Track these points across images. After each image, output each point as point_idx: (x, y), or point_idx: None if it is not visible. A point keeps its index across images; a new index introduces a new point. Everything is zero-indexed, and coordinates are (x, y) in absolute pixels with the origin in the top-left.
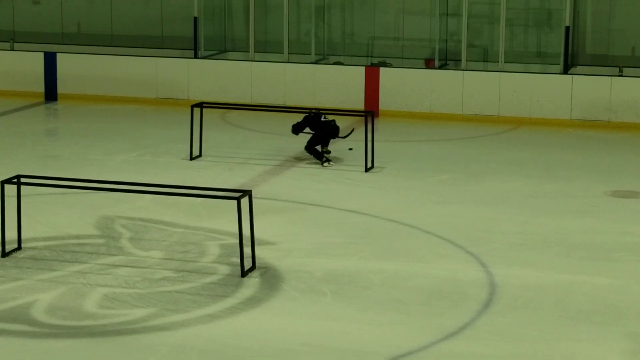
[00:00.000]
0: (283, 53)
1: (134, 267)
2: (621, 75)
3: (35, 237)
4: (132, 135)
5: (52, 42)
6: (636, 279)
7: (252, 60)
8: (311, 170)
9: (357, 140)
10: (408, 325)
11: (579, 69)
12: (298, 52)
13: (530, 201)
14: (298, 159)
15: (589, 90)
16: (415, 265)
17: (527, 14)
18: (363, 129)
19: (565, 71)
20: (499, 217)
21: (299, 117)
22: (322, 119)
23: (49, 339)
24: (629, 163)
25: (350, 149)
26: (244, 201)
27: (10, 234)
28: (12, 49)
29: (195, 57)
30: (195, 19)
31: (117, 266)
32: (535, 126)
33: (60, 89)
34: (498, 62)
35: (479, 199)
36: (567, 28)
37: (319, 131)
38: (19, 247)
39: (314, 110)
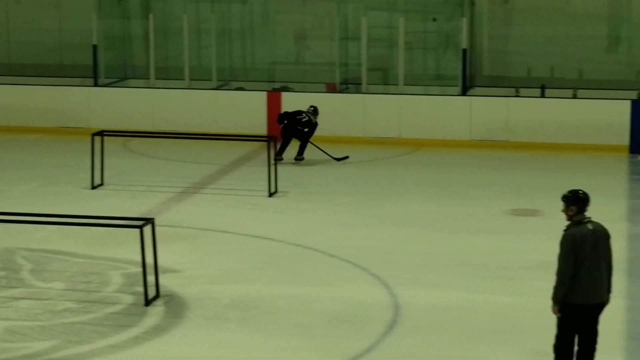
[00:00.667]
0: (184, 79)
1: (35, 299)
2: (518, 96)
3: None
4: (32, 165)
5: None
6: (536, 297)
7: (153, 88)
8: (214, 197)
9: (259, 165)
10: (313, 349)
11: (477, 90)
12: (199, 79)
13: (432, 222)
14: (201, 185)
15: (487, 111)
16: (320, 289)
17: (425, 37)
18: (265, 153)
19: (464, 92)
20: (402, 238)
21: (201, 144)
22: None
23: None
24: (528, 182)
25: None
26: (147, 229)
27: None
28: None
29: (96, 85)
30: (95, 46)
31: (17, 299)
32: (435, 147)
33: None
34: (398, 84)
35: (382, 221)
36: (464, 50)
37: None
38: None
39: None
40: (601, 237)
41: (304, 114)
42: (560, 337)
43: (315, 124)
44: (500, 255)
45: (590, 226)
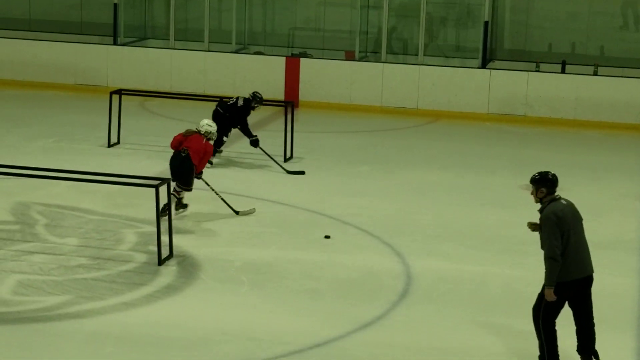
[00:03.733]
0: (204, 42)
1: (49, 254)
2: (538, 71)
3: None
4: (49, 121)
5: None
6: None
7: (172, 49)
8: (230, 160)
9: (276, 130)
10: (324, 315)
11: (497, 63)
12: (219, 41)
13: (447, 193)
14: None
15: (507, 85)
16: (333, 256)
17: (447, 9)
18: (283, 119)
19: (484, 65)
20: (416, 209)
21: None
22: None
23: None
24: (545, 157)
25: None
26: (162, 189)
27: None
28: None
29: (115, 43)
30: (115, 5)
31: (32, 253)
32: (453, 119)
33: None
34: (417, 55)
35: (397, 191)
36: (486, 23)
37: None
38: None
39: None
40: (575, 209)
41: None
42: (546, 316)
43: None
44: (513, 229)
45: (563, 201)
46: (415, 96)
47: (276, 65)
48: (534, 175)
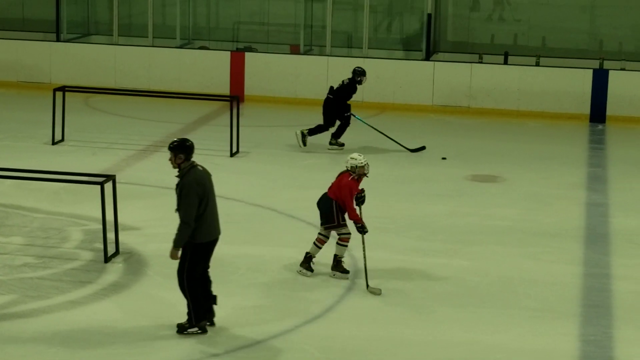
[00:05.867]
0: (147, 37)
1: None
2: (481, 62)
3: None
4: None
5: None
6: (494, 261)
7: (116, 45)
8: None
9: (222, 125)
10: (273, 309)
11: (440, 55)
12: (163, 37)
13: (392, 185)
14: (163, 143)
15: (450, 77)
16: (280, 250)
17: (391, 1)
18: (228, 113)
19: (427, 58)
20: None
21: (163, 102)
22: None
23: None
24: (488, 148)
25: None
26: (108, 186)
27: None
28: None
29: (58, 40)
30: (57, 1)
31: None
32: (398, 111)
33: None
34: (362, 48)
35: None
36: (429, 15)
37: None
38: None
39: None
40: (209, 176)
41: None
42: (190, 277)
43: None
44: (459, 219)
45: (199, 167)
46: (360, 89)
47: (221, 60)
48: (172, 142)
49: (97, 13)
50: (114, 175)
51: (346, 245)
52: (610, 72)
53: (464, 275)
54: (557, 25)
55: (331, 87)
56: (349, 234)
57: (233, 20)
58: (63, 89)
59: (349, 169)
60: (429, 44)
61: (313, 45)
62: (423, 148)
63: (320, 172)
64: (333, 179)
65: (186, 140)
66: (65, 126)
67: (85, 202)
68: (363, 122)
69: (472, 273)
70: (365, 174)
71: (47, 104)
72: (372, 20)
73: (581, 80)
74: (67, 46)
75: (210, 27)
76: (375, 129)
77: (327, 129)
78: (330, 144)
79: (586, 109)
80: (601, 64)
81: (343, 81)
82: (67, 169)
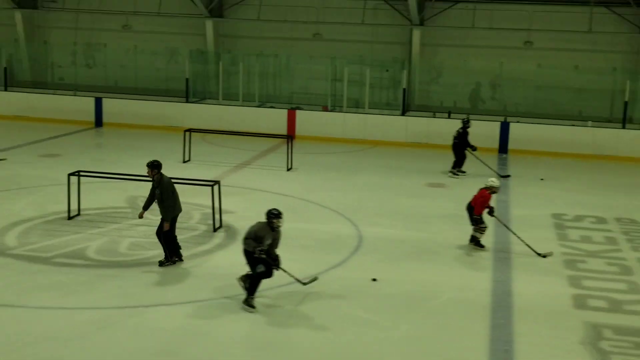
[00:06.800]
0: (239, 100)
1: (148, 226)
2: (434, 117)
3: (88, 207)
4: (148, 147)
5: None
6: (441, 233)
7: (220, 104)
8: (255, 170)
9: (282, 152)
10: (310, 260)
11: (410, 113)
12: (248, 100)
13: (381, 189)
14: (247, 163)
15: (417, 125)
16: (316, 225)
17: (382, 81)
18: (286, 145)
19: (403, 113)
20: (363, 197)
21: (248, 138)
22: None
23: (97, 268)
24: (438, 167)
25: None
26: (216, 187)
27: (73, 205)
28: None
29: (187, 101)
30: (187, 79)
31: (138, 225)
32: (385, 145)
33: None
34: (365, 108)
35: (352, 187)
36: (404, 89)
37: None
38: (79, 214)
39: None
40: (171, 179)
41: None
42: (171, 238)
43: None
44: (422, 209)
45: (166, 175)
46: (363, 131)
47: (282, 114)
48: (150, 162)
49: (210, 86)
50: (219, 181)
51: (482, 233)
52: (511, 124)
53: (424, 242)
54: (474, 94)
55: (455, 135)
56: (485, 227)
57: (290, 90)
58: (190, 130)
59: (487, 187)
60: (404, 105)
61: (335, 106)
62: (509, 176)
63: (340, 180)
64: (347, 186)
65: (155, 160)
66: (191, 152)
67: (203, 196)
68: (477, 157)
69: (431, 241)
70: (495, 192)
71: (180, 139)
72: (371, 91)
73: (493, 127)
74: (193, 105)
75: (276, 94)
76: (483, 162)
77: (461, 163)
78: (453, 173)
79: (496, 145)
80: (505, 119)
81: (458, 130)
82: (193, 176)
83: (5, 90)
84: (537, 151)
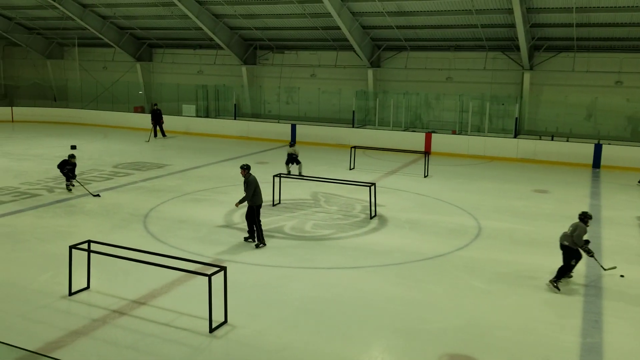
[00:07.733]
0: (389, 125)
1: (324, 212)
2: (541, 139)
3: (285, 199)
4: (323, 158)
5: None
6: (544, 227)
7: (377, 129)
8: (400, 176)
9: (421, 164)
10: (441, 243)
11: (521, 136)
12: (396, 125)
13: (497, 192)
14: (394, 171)
15: (528, 145)
16: (444, 217)
17: (499, 111)
18: (424, 159)
19: (515, 136)
20: (483, 198)
21: (395, 154)
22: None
23: (290, 240)
24: (545, 175)
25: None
26: (373, 187)
27: (276, 196)
28: None
29: (353, 126)
30: (353, 111)
31: (315, 213)
32: (500, 160)
33: None
34: (484, 131)
35: (475, 190)
36: (517, 118)
37: None
38: (279, 202)
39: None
40: (256, 178)
41: None
42: (256, 223)
43: None
44: (529, 209)
45: (252, 174)
46: (483, 149)
47: (421, 136)
48: (242, 164)
49: (370, 115)
50: (375, 183)
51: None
52: (603, 145)
53: (518, 233)
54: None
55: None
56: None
57: (427, 119)
58: (355, 147)
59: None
60: (516, 130)
61: (462, 131)
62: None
63: (464, 184)
64: (470, 189)
65: (245, 164)
66: (355, 162)
67: (363, 193)
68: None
69: (524, 233)
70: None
71: (347, 153)
72: (489, 120)
73: (588, 148)
74: (357, 130)
75: (417, 122)
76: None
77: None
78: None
79: (590, 161)
80: (598, 141)
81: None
82: (356, 179)
83: (235, 119)
84: (624, 167)
